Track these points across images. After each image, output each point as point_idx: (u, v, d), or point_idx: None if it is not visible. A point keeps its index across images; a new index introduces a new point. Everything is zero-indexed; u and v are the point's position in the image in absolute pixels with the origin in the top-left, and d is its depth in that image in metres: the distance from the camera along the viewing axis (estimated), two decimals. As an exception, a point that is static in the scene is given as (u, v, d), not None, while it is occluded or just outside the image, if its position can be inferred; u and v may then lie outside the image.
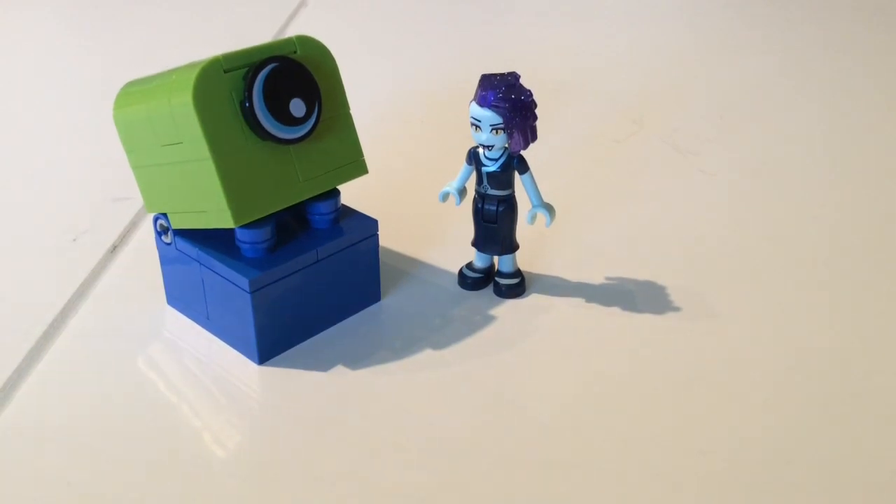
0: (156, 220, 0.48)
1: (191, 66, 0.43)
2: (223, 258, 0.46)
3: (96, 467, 0.40)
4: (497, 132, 0.48)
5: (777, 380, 0.45)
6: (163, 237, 0.49)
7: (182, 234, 0.47)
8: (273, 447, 0.42)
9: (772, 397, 0.44)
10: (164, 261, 0.50)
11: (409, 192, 0.63)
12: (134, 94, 0.46)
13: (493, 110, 0.47)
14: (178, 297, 0.50)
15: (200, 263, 0.47)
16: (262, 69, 0.43)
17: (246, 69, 0.44)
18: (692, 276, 0.54)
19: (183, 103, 0.42)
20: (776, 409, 0.43)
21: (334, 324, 0.50)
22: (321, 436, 0.42)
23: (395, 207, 0.58)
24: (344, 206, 0.50)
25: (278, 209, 0.45)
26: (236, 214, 0.44)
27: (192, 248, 0.47)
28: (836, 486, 0.39)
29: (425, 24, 1.01)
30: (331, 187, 0.48)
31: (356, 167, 0.49)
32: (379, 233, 0.50)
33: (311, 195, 0.47)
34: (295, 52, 0.46)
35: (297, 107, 0.45)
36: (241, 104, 0.43)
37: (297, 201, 0.46)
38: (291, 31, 0.95)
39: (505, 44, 0.95)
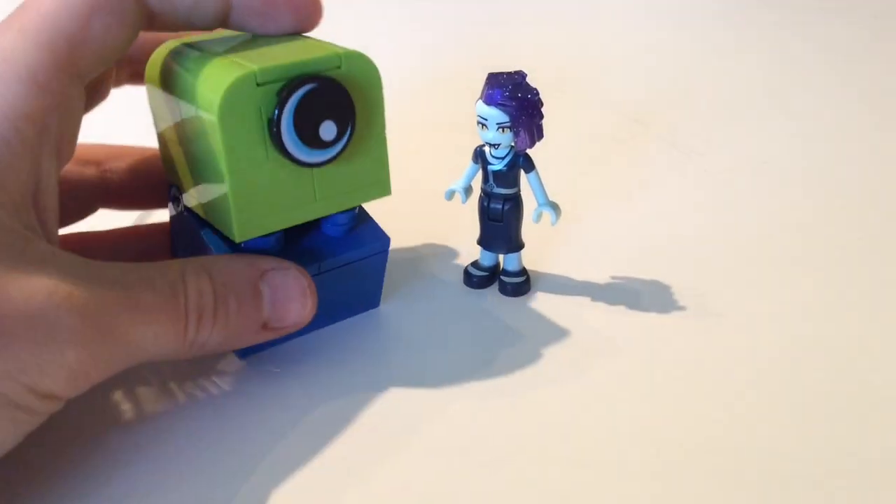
0: (171, 186, 0.47)
1: (228, 65, 0.41)
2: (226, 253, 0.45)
3: (76, 461, 0.40)
4: (503, 130, 0.48)
5: (785, 379, 0.45)
6: (173, 205, 0.48)
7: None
8: (256, 445, 0.41)
9: (780, 396, 0.44)
10: (174, 233, 0.49)
11: (414, 190, 0.63)
12: (170, 64, 0.43)
13: (499, 108, 0.47)
14: None
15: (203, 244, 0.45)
16: (298, 88, 0.40)
17: (281, 83, 0.40)
18: (697, 274, 0.54)
19: (209, 114, 0.40)
20: (786, 408, 0.43)
21: (331, 323, 0.49)
22: (312, 434, 0.42)
23: (402, 205, 0.58)
24: (362, 209, 0.48)
25: (286, 227, 0.44)
26: (240, 231, 0.42)
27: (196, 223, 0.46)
28: (842, 484, 0.39)
29: (430, 23, 1.01)
30: (346, 208, 0.46)
31: (378, 188, 0.46)
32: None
33: (324, 214, 0.45)
34: (339, 67, 0.43)
35: (327, 130, 0.42)
36: (269, 121, 0.41)
37: (308, 220, 0.44)
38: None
39: (510, 43, 0.95)
